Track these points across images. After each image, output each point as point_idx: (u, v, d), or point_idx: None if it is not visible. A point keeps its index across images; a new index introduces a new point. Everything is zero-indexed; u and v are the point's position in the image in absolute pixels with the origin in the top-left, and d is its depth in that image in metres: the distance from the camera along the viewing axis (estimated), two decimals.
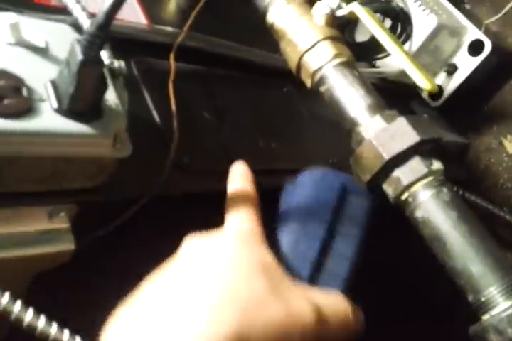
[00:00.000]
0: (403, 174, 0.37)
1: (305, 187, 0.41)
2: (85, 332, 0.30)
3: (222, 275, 0.30)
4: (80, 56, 0.28)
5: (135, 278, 0.33)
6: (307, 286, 0.35)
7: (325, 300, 0.34)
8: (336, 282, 0.37)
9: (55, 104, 0.29)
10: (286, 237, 0.38)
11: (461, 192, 0.69)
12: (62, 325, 0.30)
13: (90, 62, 0.28)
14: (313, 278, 0.37)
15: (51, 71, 0.31)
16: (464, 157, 0.95)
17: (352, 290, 0.38)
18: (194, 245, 0.33)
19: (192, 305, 0.28)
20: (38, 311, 0.29)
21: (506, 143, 0.91)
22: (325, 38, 0.42)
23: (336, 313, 0.34)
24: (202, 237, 0.33)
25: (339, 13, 0.43)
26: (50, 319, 0.30)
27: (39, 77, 0.30)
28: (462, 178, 0.89)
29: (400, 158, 0.37)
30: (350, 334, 0.35)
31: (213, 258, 0.31)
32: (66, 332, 0.30)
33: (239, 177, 0.40)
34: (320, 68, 0.42)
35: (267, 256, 0.34)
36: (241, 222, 0.36)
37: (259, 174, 0.47)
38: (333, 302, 0.35)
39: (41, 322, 0.29)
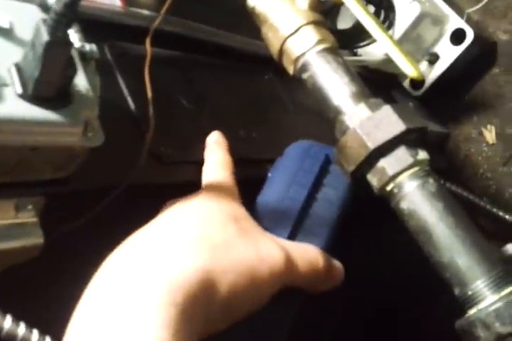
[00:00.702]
0: (388, 164, 0.36)
1: (291, 155, 0.45)
2: (56, 328, 0.28)
3: (197, 224, 0.33)
4: (45, 37, 0.25)
5: None
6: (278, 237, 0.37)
7: (294, 245, 0.37)
8: (314, 242, 0.39)
9: (20, 89, 0.27)
10: (268, 199, 0.41)
11: (442, 181, 0.69)
12: (30, 324, 0.28)
13: (57, 43, 0.26)
14: (292, 238, 0.39)
15: (15, 54, 0.28)
16: (444, 147, 0.95)
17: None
18: (173, 204, 0.36)
19: (163, 250, 0.30)
20: (4, 309, 0.28)
21: (486, 133, 0.91)
22: (308, 23, 0.40)
23: (304, 257, 0.36)
24: (180, 199, 0.36)
25: None
26: (17, 318, 0.28)
27: (2, 60, 0.28)
28: (442, 168, 0.89)
29: (386, 148, 0.36)
30: (320, 281, 0.37)
31: (189, 211, 0.34)
32: (35, 332, 0.29)
33: (214, 145, 0.43)
34: (303, 54, 0.40)
35: (239, 210, 0.36)
36: (215, 182, 0.39)
37: (239, 164, 0.45)
38: (302, 248, 0.37)
39: (7, 322, 0.28)
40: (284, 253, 0.34)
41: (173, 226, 0.32)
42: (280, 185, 0.42)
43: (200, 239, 0.31)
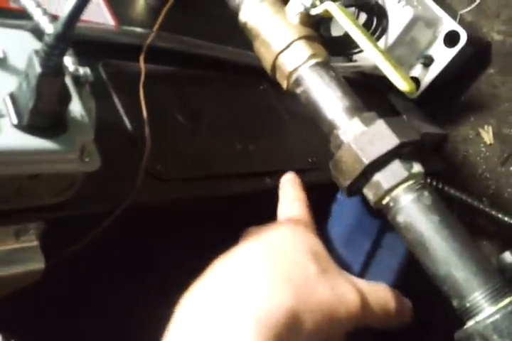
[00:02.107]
0: (383, 178, 0.36)
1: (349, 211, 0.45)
2: None
3: (277, 260, 0.34)
4: (38, 69, 0.26)
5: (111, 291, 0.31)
6: (352, 276, 0.38)
7: (368, 286, 0.37)
8: (385, 276, 0.41)
9: (15, 120, 0.28)
10: (341, 230, 0.42)
11: (440, 185, 0.69)
12: None
13: (49, 74, 0.26)
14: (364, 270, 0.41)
15: (10, 83, 0.29)
16: (442, 148, 0.95)
17: None
18: (252, 235, 0.37)
19: (252, 286, 0.31)
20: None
21: (483, 133, 0.91)
22: (300, 38, 0.41)
23: (377, 299, 0.37)
24: (259, 228, 0.38)
25: (313, 11, 0.41)
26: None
27: None
28: (440, 170, 0.89)
29: (380, 162, 0.36)
30: (392, 320, 0.38)
31: (269, 245, 0.35)
32: None
33: (287, 183, 0.44)
34: (295, 69, 0.40)
35: (317, 245, 0.37)
36: (292, 214, 0.40)
37: (237, 178, 0.46)
38: (376, 289, 0.38)
39: None
40: (359, 295, 0.35)
41: (258, 260, 0.33)
42: (351, 219, 0.43)
43: (283, 277, 0.33)
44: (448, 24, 0.81)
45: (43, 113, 0.28)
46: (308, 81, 0.40)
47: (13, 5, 0.42)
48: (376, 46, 0.40)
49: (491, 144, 0.91)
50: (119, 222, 0.36)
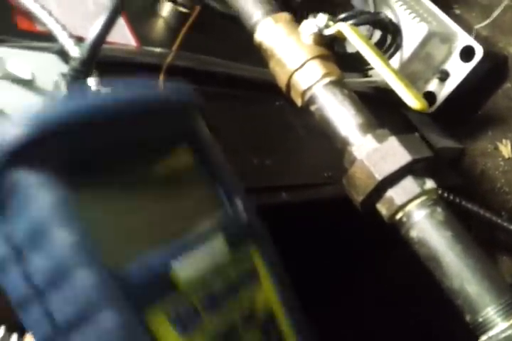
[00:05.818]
0: (396, 194, 0.37)
1: None
2: None
3: None
4: (64, 91, 0.27)
5: None
6: None
7: None
8: None
9: None
10: None
11: (458, 200, 0.69)
12: None
13: None
14: None
15: (37, 104, 0.30)
16: (460, 162, 0.95)
17: None
18: None
19: None
20: None
21: (502, 147, 0.91)
22: (313, 57, 0.42)
23: None
24: None
25: (326, 32, 0.42)
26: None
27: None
28: (457, 184, 0.89)
29: (393, 178, 0.37)
30: None
31: None
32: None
33: None
34: (309, 88, 0.42)
35: None
36: None
37: (253, 192, 0.47)
38: None
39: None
40: None
41: None
42: None
43: None
44: (463, 39, 0.81)
45: None
46: (321, 99, 0.41)
47: (39, 28, 0.44)
48: (388, 65, 0.41)
49: (509, 158, 0.91)
50: None
